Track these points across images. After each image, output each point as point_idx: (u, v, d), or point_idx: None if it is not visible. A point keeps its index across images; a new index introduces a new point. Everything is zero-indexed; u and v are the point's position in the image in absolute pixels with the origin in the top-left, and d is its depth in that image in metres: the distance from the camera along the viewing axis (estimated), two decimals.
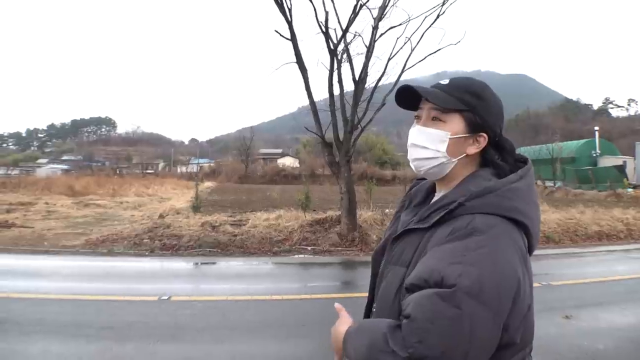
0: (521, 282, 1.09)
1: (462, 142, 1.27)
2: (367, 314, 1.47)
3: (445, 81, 1.30)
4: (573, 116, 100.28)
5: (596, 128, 43.25)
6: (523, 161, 1.30)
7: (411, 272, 1.17)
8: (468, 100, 1.25)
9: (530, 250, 1.20)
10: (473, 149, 1.28)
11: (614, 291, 7.14)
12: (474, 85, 1.29)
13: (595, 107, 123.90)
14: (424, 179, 1.48)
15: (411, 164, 1.35)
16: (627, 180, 30.56)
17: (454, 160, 1.28)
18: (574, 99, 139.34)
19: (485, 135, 1.27)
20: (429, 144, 1.28)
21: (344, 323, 1.29)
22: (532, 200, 1.22)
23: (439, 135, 1.26)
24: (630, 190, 26.76)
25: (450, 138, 1.26)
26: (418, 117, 1.33)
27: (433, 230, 1.20)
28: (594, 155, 40.17)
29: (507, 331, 1.08)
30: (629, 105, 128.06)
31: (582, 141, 44.04)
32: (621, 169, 32.93)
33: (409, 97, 1.31)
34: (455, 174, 1.30)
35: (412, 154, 1.32)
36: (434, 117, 1.27)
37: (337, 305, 1.39)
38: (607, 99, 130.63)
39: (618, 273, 8.51)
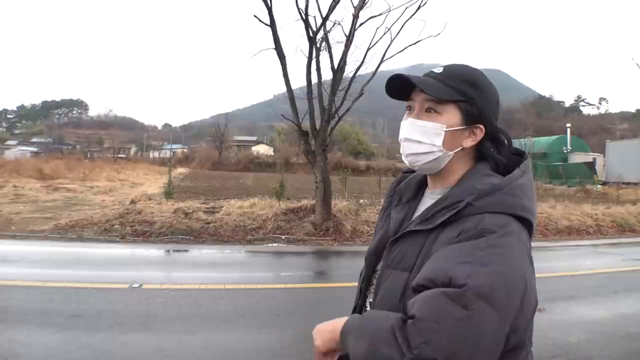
0: (528, 283, 1.05)
1: (458, 134, 1.20)
2: None
3: (439, 69, 1.23)
4: (545, 112, 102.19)
5: (568, 125, 44.11)
6: (518, 154, 1.25)
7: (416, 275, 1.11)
8: (465, 90, 1.18)
9: None
10: (469, 142, 1.21)
11: (584, 285, 7.27)
12: (470, 73, 1.22)
13: (567, 104, 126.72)
14: (411, 172, 1.41)
15: (405, 159, 1.26)
16: (597, 177, 31.21)
17: (450, 153, 1.21)
18: (547, 95, 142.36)
19: (482, 127, 1.21)
20: (424, 138, 1.20)
21: (336, 320, 1.18)
22: (533, 195, 1.18)
23: (434, 128, 1.18)
24: (599, 187, 27.35)
25: (446, 131, 1.18)
26: (410, 108, 1.25)
27: (438, 232, 1.14)
28: (565, 151, 40.93)
29: (515, 333, 1.04)
30: (600, 103, 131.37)
31: (554, 137, 44.81)
32: (591, 165, 33.70)
33: (400, 86, 1.23)
34: (451, 167, 1.23)
35: (406, 149, 1.24)
36: (428, 108, 1.20)
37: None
38: (579, 97, 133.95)
39: (588, 267, 8.70)
